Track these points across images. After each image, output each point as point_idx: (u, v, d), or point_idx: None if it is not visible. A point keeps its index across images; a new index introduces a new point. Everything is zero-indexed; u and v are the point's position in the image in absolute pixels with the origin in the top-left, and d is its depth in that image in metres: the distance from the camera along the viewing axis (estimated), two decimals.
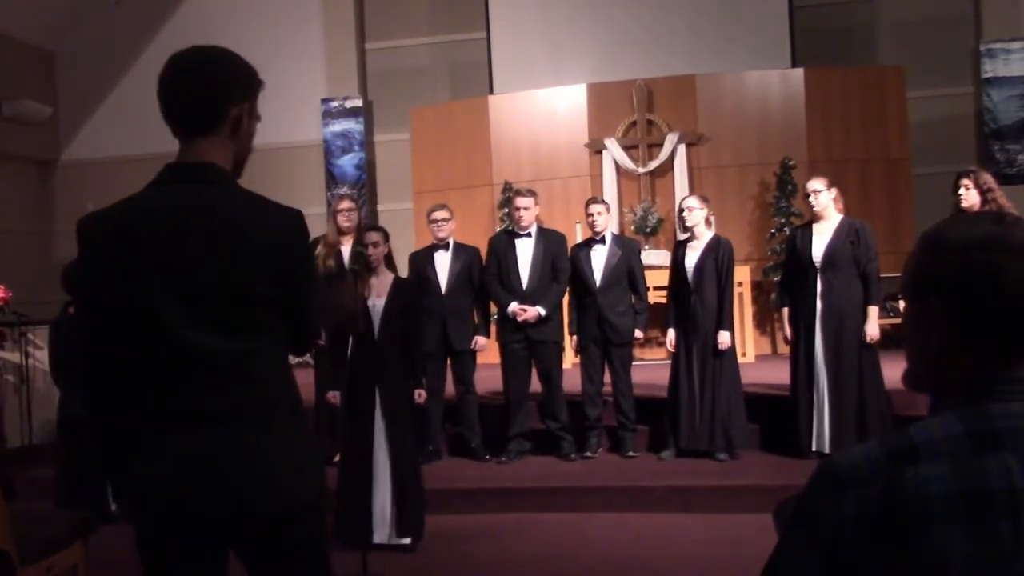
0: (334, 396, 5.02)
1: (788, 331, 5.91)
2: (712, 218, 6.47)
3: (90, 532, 4.00)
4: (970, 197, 5.39)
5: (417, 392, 4.99)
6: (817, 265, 5.69)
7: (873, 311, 5.65)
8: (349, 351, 4.96)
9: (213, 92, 1.95)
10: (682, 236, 6.33)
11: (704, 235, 6.03)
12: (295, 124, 12.23)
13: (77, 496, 5.68)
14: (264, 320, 1.95)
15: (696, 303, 5.93)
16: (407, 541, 4.86)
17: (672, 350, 6.08)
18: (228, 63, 1.99)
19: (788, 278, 5.99)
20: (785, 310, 5.98)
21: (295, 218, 2.00)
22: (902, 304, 1.27)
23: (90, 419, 2.09)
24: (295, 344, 2.07)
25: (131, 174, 13.69)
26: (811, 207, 5.82)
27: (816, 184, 5.81)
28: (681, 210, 6.11)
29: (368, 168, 12.21)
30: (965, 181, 5.45)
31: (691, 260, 5.98)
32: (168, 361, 1.91)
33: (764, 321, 9.38)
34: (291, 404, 2.01)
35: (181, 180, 1.96)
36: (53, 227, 12.99)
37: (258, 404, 1.94)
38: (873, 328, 5.63)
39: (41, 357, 7.29)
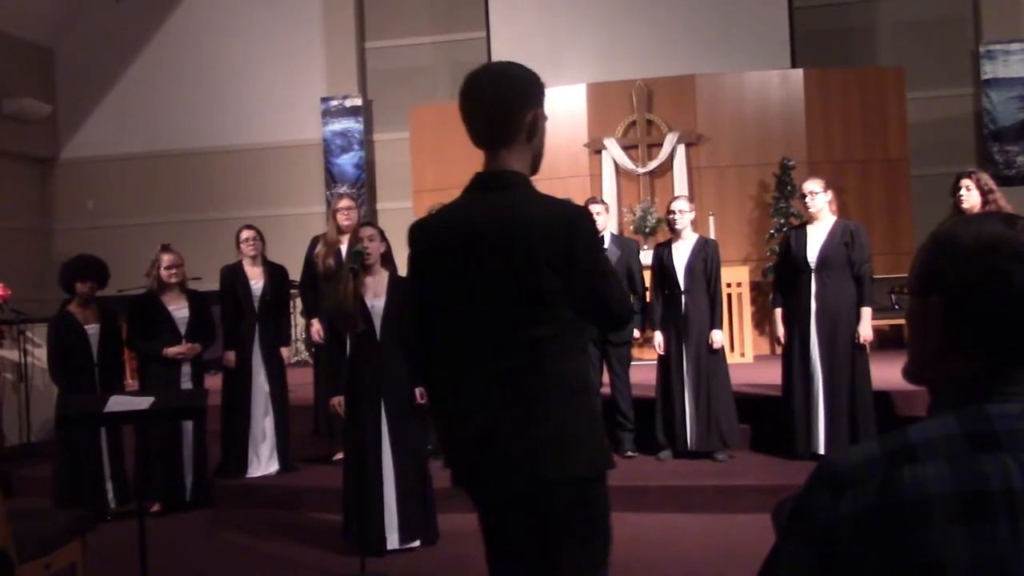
0: (339, 402, 4.93)
1: (780, 332, 5.92)
2: (696, 219, 6.47)
3: (88, 530, 4.00)
4: (971, 198, 5.38)
5: (419, 391, 4.88)
6: (811, 266, 5.70)
7: (866, 312, 5.65)
8: (348, 351, 4.94)
9: (509, 109, 2.16)
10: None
11: (689, 236, 6.06)
12: (295, 123, 12.24)
13: (75, 494, 5.68)
14: (552, 311, 2.12)
15: (688, 304, 5.94)
16: (416, 544, 4.84)
17: (662, 352, 6.06)
18: (517, 78, 2.19)
19: (782, 279, 5.99)
20: (778, 311, 5.98)
21: (583, 216, 2.20)
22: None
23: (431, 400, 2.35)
24: (604, 327, 2.29)
25: (130, 172, 13.80)
26: (807, 208, 5.82)
27: (813, 185, 5.81)
28: (672, 212, 6.11)
29: (368, 167, 12.21)
30: (966, 182, 5.43)
31: (680, 261, 5.99)
32: (467, 347, 2.15)
33: (763, 321, 9.38)
34: (572, 387, 2.16)
35: (485, 187, 2.20)
36: (52, 225, 13.00)
37: (541, 389, 2.11)
38: (866, 329, 5.63)
39: (40, 355, 7.29)
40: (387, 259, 5.06)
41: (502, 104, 2.16)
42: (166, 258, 6.02)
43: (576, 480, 2.10)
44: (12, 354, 7.62)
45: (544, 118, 2.24)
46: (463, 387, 2.17)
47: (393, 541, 4.79)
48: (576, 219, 2.16)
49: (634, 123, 9.81)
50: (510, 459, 2.10)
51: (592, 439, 2.17)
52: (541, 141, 2.24)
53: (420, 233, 2.28)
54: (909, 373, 1.22)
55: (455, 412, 2.19)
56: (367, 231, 5.00)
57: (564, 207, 2.17)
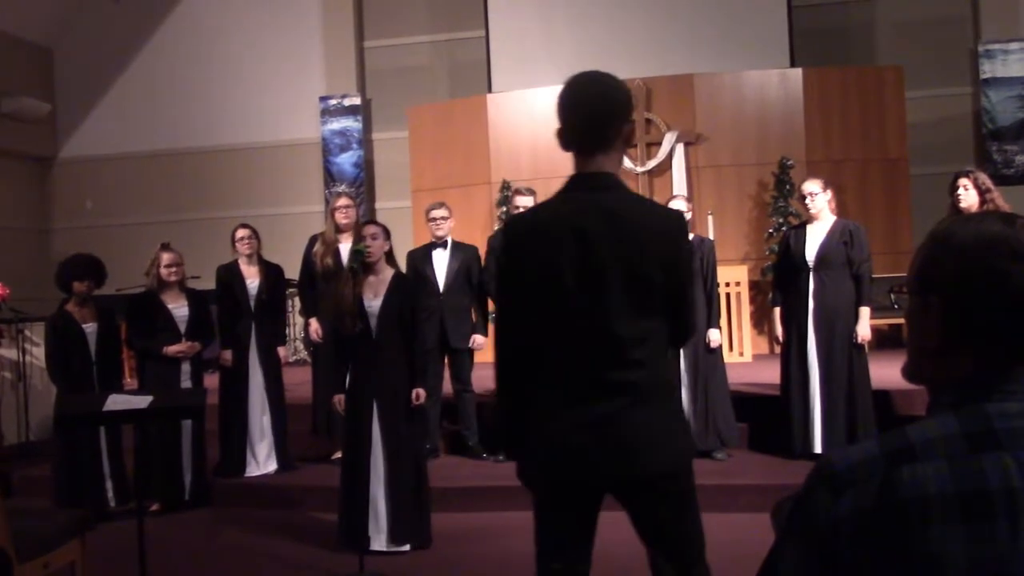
0: (340, 400, 4.89)
1: (779, 331, 5.92)
2: (694, 219, 6.48)
3: (87, 529, 4.00)
4: (969, 197, 5.38)
5: (415, 393, 4.85)
6: (810, 265, 5.70)
7: (864, 312, 5.65)
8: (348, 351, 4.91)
9: (612, 120, 2.32)
10: None
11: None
12: (293, 122, 12.24)
13: (74, 493, 5.68)
14: (656, 306, 2.27)
15: None
16: (406, 548, 4.80)
17: None
18: (620, 92, 2.35)
19: (781, 278, 6.00)
20: (776, 310, 5.99)
21: (679, 218, 2.40)
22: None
23: (498, 388, 2.43)
24: (675, 336, 2.39)
25: (129, 171, 13.79)
26: (807, 208, 5.83)
27: (812, 186, 5.81)
28: None
29: (366, 166, 12.21)
30: (964, 181, 5.44)
31: None
32: (577, 340, 2.24)
33: (762, 321, 9.38)
34: (669, 383, 2.38)
35: (584, 188, 2.31)
36: (51, 224, 12.99)
37: (646, 381, 2.27)
38: (864, 329, 5.63)
39: (38, 354, 7.28)
40: (390, 258, 5.02)
41: (608, 115, 2.31)
42: (166, 256, 6.02)
43: (686, 466, 2.36)
44: (11, 353, 7.61)
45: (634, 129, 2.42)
46: (575, 378, 2.26)
47: (381, 543, 4.75)
48: (682, 225, 2.38)
49: (633, 123, 9.81)
50: (633, 443, 2.25)
51: (687, 433, 2.44)
52: (629, 147, 2.42)
53: (523, 229, 2.36)
54: (909, 372, 1.22)
55: (563, 402, 2.27)
56: (370, 229, 4.95)
57: (670, 211, 2.39)
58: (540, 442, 2.31)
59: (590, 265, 2.23)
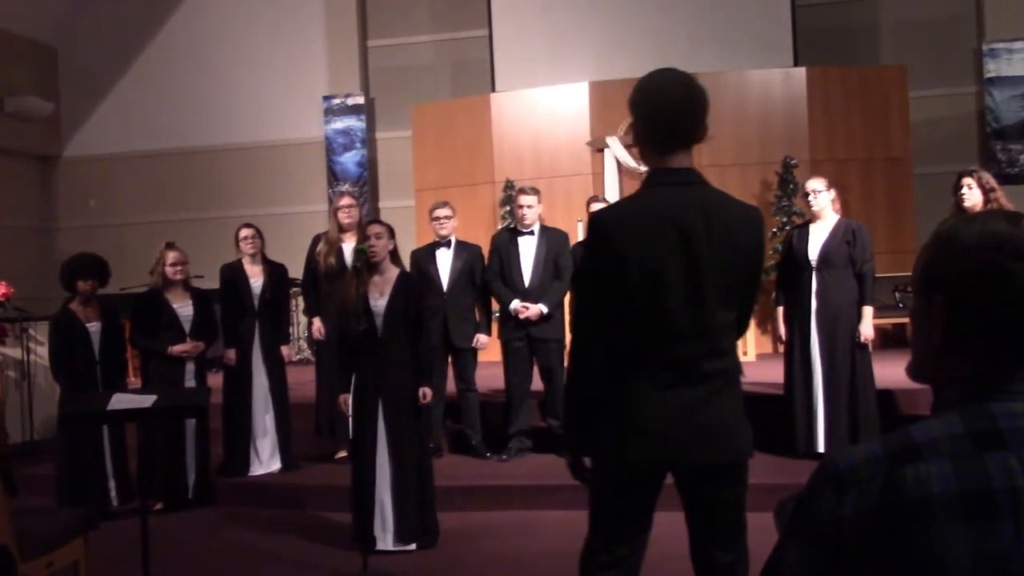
0: (345, 399, 4.85)
1: (782, 330, 5.92)
2: None
3: (91, 528, 4.01)
4: (973, 197, 5.37)
5: (422, 391, 4.84)
6: (813, 264, 5.70)
7: (868, 311, 5.64)
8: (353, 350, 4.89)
9: (702, 116, 2.38)
10: None
11: None
12: (297, 121, 12.24)
13: (78, 492, 5.68)
14: (737, 297, 2.37)
15: None
16: (412, 547, 4.79)
17: None
18: (701, 89, 2.41)
19: (784, 277, 5.99)
20: (780, 309, 5.97)
21: (758, 212, 2.47)
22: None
23: (576, 377, 2.45)
24: (739, 327, 2.46)
25: (133, 170, 13.80)
26: (810, 206, 5.82)
27: (816, 184, 5.80)
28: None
29: (370, 165, 12.21)
30: (968, 180, 5.43)
31: None
32: (675, 328, 2.29)
33: (765, 320, 9.36)
34: (738, 374, 2.47)
35: (674, 182, 2.36)
36: (55, 223, 13.00)
37: (728, 370, 2.39)
38: (867, 328, 5.62)
39: (42, 353, 7.30)
40: (395, 257, 5.01)
41: (693, 112, 2.37)
42: (171, 255, 6.02)
43: (745, 464, 2.46)
44: (15, 352, 7.63)
45: None
46: (669, 365, 2.31)
47: (387, 542, 4.75)
48: (762, 219, 2.46)
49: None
50: (719, 430, 2.35)
51: (748, 425, 2.49)
52: None
53: (617, 221, 2.36)
54: (913, 371, 1.22)
55: (655, 389, 2.32)
56: (374, 228, 4.95)
57: (749, 206, 2.47)
58: (628, 428, 2.34)
59: (690, 256, 2.28)
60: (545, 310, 6.14)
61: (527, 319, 6.14)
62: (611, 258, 2.32)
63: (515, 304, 6.16)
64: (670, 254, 2.28)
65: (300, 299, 7.91)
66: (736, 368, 2.46)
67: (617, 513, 2.44)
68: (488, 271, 6.35)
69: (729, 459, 2.39)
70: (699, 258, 2.28)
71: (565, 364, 6.47)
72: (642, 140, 2.44)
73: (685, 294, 2.29)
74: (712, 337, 2.33)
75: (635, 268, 2.29)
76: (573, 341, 2.47)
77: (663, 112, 2.38)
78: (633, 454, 2.35)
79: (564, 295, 6.35)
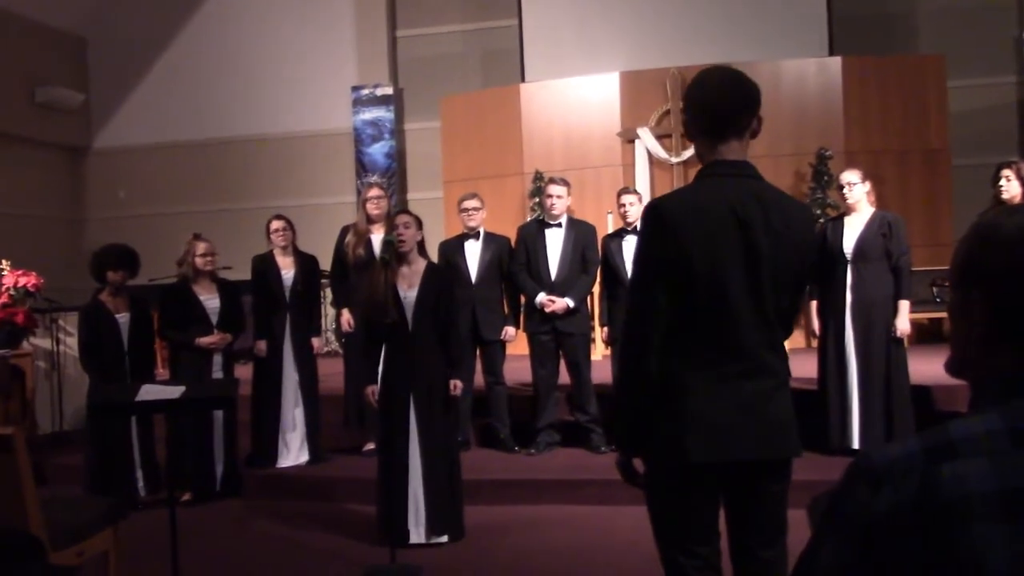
0: (373, 391, 4.86)
1: (816, 324, 5.83)
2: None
3: (120, 518, 4.00)
4: (1012, 188, 5.29)
5: (453, 383, 4.85)
6: (848, 257, 5.62)
7: (904, 305, 5.56)
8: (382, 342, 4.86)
9: (753, 107, 2.39)
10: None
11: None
12: (325, 112, 12.23)
13: (107, 482, 5.71)
14: (787, 296, 2.40)
15: None
16: (444, 539, 4.79)
17: None
18: (753, 84, 2.42)
19: (818, 271, 5.89)
20: (813, 303, 5.89)
21: (811, 211, 2.54)
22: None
23: (633, 371, 2.38)
24: (786, 324, 2.46)
25: (162, 161, 13.85)
26: (845, 199, 5.72)
27: (851, 176, 5.72)
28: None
29: (398, 157, 12.19)
30: (1007, 172, 5.36)
31: None
32: (738, 320, 2.30)
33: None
34: (788, 372, 2.46)
35: (731, 174, 2.37)
36: (84, 214, 13.09)
37: (782, 365, 2.40)
38: (903, 322, 5.53)
39: (72, 344, 7.33)
40: (422, 248, 4.98)
41: (747, 106, 2.38)
42: (201, 246, 6.03)
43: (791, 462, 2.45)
44: (44, 342, 7.67)
45: None
46: (732, 358, 2.31)
47: (419, 535, 4.76)
48: (813, 216, 2.53)
49: (668, 112, 9.69)
50: (780, 425, 2.35)
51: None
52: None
53: (680, 210, 2.34)
54: (951, 367, 1.19)
55: (717, 382, 2.31)
56: (402, 218, 4.94)
57: (804, 205, 2.55)
58: (693, 421, 2.29)
59: (750, 247, 2.29)
60: (571, 304, 6.08)
61: (553, 312, 6.08)
62: (674, 247, 2.29)
63: (541, 297, 6.10)
64: (732, 244, 2.29)
65: (328, 291, 7.87)
66: (787, 364, 2.44)
67: (690, 513, 2.39)
68: (513, 262, 6.30)
69: (789, 454, 2.40)
70: (758, 250, 2.29)
71: (591, 357, 6.45)
72: (697, 133, 2.44)
73: (747, 284, 2.30)
74: (770, 329, 2.34)
75: (699, 257, 2.27)
76: (625, 334, 2.43)
77: (716, 104, 2.39)
78: (698, 448, 2.29)
79: (591, 288, 6.28)
